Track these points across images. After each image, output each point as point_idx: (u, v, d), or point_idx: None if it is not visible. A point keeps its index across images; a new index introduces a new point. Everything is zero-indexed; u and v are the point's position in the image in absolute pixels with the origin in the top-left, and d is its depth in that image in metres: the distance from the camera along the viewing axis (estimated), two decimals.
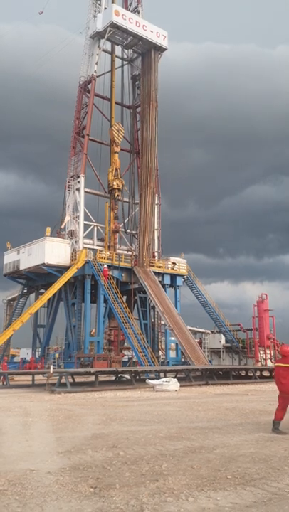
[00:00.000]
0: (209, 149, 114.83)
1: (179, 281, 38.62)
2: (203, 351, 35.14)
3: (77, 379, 25.93)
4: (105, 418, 12.11)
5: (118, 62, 42.94)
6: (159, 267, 37.67)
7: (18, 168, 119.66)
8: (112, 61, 42.23)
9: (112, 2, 40.75)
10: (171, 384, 21.38)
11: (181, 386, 21.98)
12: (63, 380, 21.75)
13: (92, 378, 24.27)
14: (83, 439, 9.19)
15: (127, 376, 25.08)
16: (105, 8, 38.75)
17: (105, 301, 33.35)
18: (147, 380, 22.88)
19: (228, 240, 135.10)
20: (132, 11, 41.10)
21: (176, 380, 22.49)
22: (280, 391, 9.92)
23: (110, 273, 34.31)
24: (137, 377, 25.24)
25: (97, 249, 36.21)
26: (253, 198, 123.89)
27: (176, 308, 36.19)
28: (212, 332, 39.90)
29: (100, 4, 39.18)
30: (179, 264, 39.08)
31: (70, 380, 22.84)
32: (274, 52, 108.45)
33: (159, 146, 39.94)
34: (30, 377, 26.81)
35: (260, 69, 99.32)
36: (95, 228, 38.03)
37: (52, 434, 9.73)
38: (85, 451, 7.85)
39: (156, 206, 40.51)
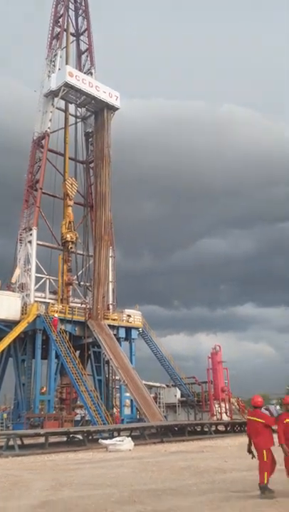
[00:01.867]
0: (162, 202, 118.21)
1: (134, 334, 38.17)
2: (159, 406, 34.34)
3: (27, 441, 24.52)
4: (55, 483, 11.42)
5: (72, 119, 44.13)
6: (114, 319, 37.21)
7: None
8: (66, 118, 43.35)
9: (66, 63, 42.33)
10: (125, 443, 20.63)
11: (135, 445, 21.25)
12: (11, 443, 20.52)
13: (42, 440, 23.04)
14: (30, 507, 8.60)
15: (80, 436, 23.99)
16: (59, 69, 40.17)
17: (57, 356, 32.24)
18: (100, 440, 21.99)
19: (182, 291, 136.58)
20: (85, 73, 42.79)
21: (130, 439, 21.72)
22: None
23: (63, 327, 33.52)
24: (90, 437, 24.21)
25: (49, 303, 35.43)
26: (204, 250, 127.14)
27: (131, 362, 35.52)
28: (167, 386, 39.22)
29: (54, 65, 40.59)
30: (134, 316, 38.77)
31: (19, 442, 21.56)
32: (221, 109, 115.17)
33: (113, 198, 40.72)
34: None
35: (208, 125, 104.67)
36: (48, 281, 37.41)
37: None
38: None
39: (110, 258, 40.59)
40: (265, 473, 8.70)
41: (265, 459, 8.77)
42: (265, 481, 8.66)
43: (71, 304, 37.25)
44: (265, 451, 8.81)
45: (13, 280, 35.23)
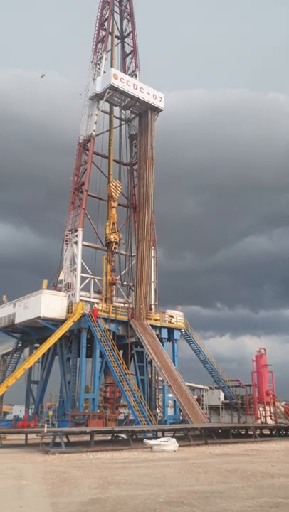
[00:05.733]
0: (205, 198, 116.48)
1: (177, 334, 38.16)
2: (202, 408, 34.20)
3: (72, 438, 25.03)
4: (102, 481, 11.62)
5: (116, 122, 44.63)
6: (156, 320, 37.35)
7: (12, 217, 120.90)
8: (111, 121, 43.88)
9: (111, 66, 42.85)
10: (170, 444, 20.68)
11: (179, 446, 21.26)
12: (57, 440, 21.00)
13: (87, 438, 23.46)
14: (79, 504, 8.79)
15: (124, 436, 24.24)
16: (104, 72, 40.74)
17: (101, 355, 32.72)
18: (145, 440, 22.12)
19: (225, 292, 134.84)
20: (129, 75, 43.18)
21: (174, 439, 21.76)
22: None
23: (107, 326, 33.98)
24: (134, 437, 24.41)
25: (93, 302, 35.98)
26: (250, 248, 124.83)
27: (174, 363, 35.54)
28: (210, 388, 39.02)
29: (99, 68, 41.21)
30: (177, 317, 38.77)
31: (65, 440, 22.06)
32: (267, 97, 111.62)
33: (155, 196, 40.86)
34: (23, 436, 25.88)
35: (253, 114, 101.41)
36: (92, 281, 37.99)
37: (47, 499, 9.30)
38: None
39: (152, 259, 40.77)
40: None
41: None
42: None
43: (115, 304, 37.69)
44: None
45: (60, 279, 36.17)
